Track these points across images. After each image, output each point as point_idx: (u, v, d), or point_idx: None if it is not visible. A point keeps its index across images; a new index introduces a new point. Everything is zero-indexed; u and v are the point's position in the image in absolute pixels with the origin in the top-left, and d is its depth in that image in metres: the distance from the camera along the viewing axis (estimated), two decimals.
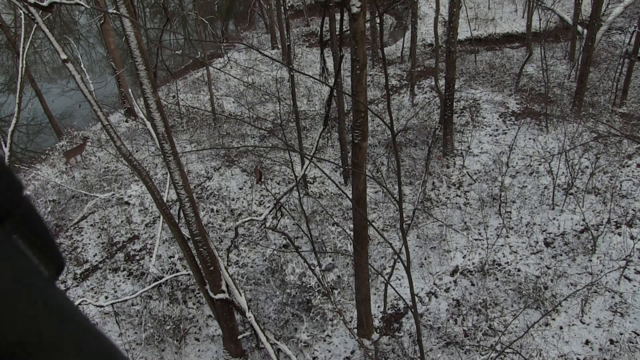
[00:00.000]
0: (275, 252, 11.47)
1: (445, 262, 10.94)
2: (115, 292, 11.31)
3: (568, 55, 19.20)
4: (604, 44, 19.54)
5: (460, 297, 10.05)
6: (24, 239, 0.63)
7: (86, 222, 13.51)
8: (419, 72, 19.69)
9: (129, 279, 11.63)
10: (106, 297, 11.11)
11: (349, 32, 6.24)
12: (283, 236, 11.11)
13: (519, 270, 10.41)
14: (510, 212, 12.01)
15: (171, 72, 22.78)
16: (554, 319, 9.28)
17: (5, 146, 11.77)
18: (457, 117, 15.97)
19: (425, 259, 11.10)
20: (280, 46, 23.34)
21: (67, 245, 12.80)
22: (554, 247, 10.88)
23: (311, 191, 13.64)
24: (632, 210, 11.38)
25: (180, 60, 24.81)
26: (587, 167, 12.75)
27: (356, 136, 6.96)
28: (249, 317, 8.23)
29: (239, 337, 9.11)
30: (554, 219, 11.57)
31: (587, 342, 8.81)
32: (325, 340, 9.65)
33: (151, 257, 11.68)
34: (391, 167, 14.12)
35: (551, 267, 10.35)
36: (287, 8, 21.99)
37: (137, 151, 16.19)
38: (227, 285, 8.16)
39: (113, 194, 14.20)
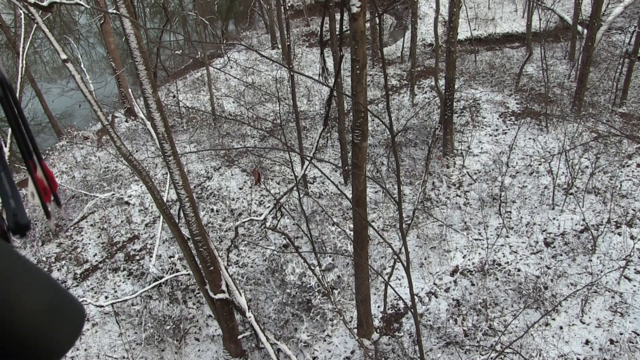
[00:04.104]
0: (275, 252, 11.47)
1: (445, 262, 10.94)
2: (115, 292, 11.31)
3: (568, 55, 19.20)
4: (604, 44, 19.54)
5: (460, 297, 10.05)
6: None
7: (86, 222, 13.51)
8: (419, 72, 19.69)
9: (129, 279, 11.63)
10: (106, 297, 11.11)
11: (349, 32, 6.24)
12: (283, 236, 11.11)
13: (519, 270, 10.41)
14: (510, 212, 12.01)
15: (169, 72, 22.82)
16: (554, 319, 9.28)
17: (6, 146, 11.77)
18: (457, 117, 15.97)
19: (425, 259, 11.10)
20: (280, 46, 23.34)
21: (67, 245, 12.80)
22: (554, 247, 10.88)
23: (311, 191, 13.64)
24: (632, 210, 11.38)
25: (180, 60, 24.82)
26: (587, 167, 12.75)
27: (356, 136, 6.95)
28: (249, 317, 8.23)
29: (239, 337, 9.11)
30: (554, 219, 11.57)
31: (587, 342, 8.81)
32: (325, 340, 9.66)
33: (151, 257, 11.68)
34: (391, 167, 14.12)
35: (551, 267, 10.35)
36: (287, 8, 21.98)
37: (137, 151, 16.19)
38: (227, 285, 8.17)
39: (113, 194, 14.21)
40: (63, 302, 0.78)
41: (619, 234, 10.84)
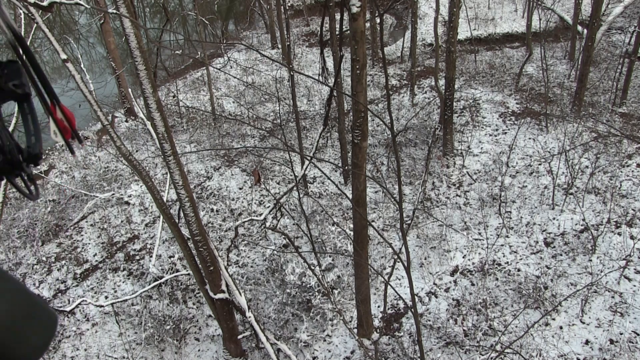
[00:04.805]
0: (275, 252, 11.47)
1: (445, 262, 10.94)
2: (115, 292, 11.31)
3: (568, 55, 19.20)
4: (604, 44, 19.54)
5: (460, 297, 10.05)
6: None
7: (86, 222, 13.51)
8: (419, 72, 19.68)
9: (129, 278, 11.63)
10: (106, 297, 11.11)
11: (349, 32, 6.24)
12: (283, 236, 11.11)
13: (519, 270, 10.41)
14: (510, 212, 12.01)
15: (169, 72, 22.82)
16: (554, 319, 9.28)
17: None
18: (457, 117, 15.97)
19: (425, 259, 11.10)
20: (280, 46, 23.34)
21: (67, 245, 12.80)
22: (554, 247, 10.88)
23: (311, 191, 13.64)
24: (632, 210, 11.38)
25: (180, 60, 24.81)
26: (587, 167, 12.75)
27: (356, 136, 6.95)
28: (249, 317, 8.23)
29: (239, 337, 9.11)
30: (554, 218, 11.57)
31: (587, 342, 8.81)
32: (325, 340, 9.65)
33: (151, 257, 11.68)
34: (391, 167, 14.11)
35: (551, 267, 10.35)
36: (287, 8, 21.98)
37: (137, 151, 16.19)
38: (227, 285, 8.17)
39: (113, 194, 14.20)
40: (32, 307, 0.77)
41: (619, 234, 10.84)
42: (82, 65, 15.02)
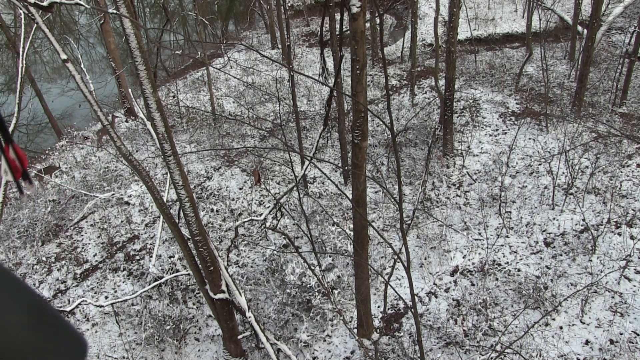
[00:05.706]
0: (275, 252, 11.47)
1: (445, 262, 10.94)
2: (115, 292, 11.31)
3: (568, 55, 19.20)
4: (604, 44, 19.54)
5: (460, 297, 10.05)
6: None
7: (86, 222, 13.51)
8: (419, 72, 19.69)
9: (129, 279, 11.63)
10: (106, 297, 11.11)
11: (349, 32, 6.24)
12: (283, 236, 11.10)
13: (519, 270, 10.41)
14: (510, 212, 12.01)
15: (169, 72, 22.83)
16: (554, 319, 9.27)
17: None
18: (457, 117, 15.97)
19: (425, 259, 11.10)
20: (280, 46, 23.34)
21: (67, 245, 12.80)
22: (554, 247, 10.88)
23: (311, 191, 13.64)
24: (632, 210, 11.37)
25: (180, 60, 24.81)
26: (587, 167, 12.75)
27: (356, 136, 6.95)
28: (249, 317, 8.23)
29: (239, 337, 9.11)
30: (554, 219, 11.57)
31: (587, 342, 8.81)
32: (325, 340, 9.65)
33: (151, 257, 11.68)
34: (391, 167, 14.11)
35: (551, 267, 10.35)
36: (287, 8, 21.98)
37: (137, 151, 16.19)
38: (227, 285, 8.17)
39: (113, 194, 14.20)
40: (56, 326, 0.63)
41: (619, 234, 10.84)
42: (82, 65, 15.02)
